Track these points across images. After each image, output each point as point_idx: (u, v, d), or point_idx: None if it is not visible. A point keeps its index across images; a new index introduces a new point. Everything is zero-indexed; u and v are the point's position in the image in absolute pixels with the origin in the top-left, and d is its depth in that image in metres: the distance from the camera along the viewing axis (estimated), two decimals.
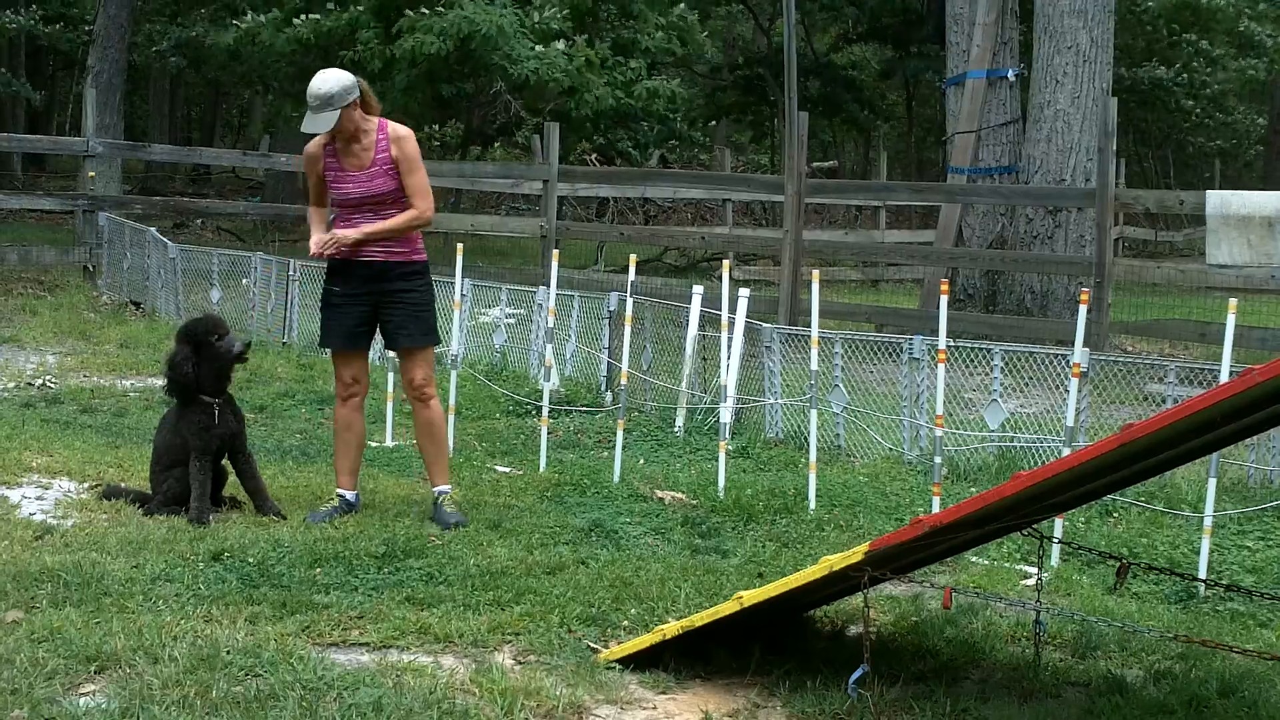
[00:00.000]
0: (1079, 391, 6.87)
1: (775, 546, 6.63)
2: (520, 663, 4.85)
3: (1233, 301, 6.50)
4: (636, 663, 4.83)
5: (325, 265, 6.95)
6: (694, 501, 7.41)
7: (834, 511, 7.23)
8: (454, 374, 8.88)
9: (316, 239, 6.82)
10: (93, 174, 16.63)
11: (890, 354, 9.21)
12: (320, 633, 5.00)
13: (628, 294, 8.57)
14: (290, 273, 12.98)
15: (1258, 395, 4.23)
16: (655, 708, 4.53)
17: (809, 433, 7.71)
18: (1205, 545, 6.26)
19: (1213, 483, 6.33)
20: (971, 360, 9.10)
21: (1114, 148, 12.78)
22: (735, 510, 7.19)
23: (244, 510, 6.84)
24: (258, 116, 32.77)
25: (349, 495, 6.85)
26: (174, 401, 6.90)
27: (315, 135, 6.77)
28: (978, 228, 16.20)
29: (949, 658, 5.10)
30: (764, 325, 9.74)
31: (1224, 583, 5.92)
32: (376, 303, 6.82)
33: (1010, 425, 8.48)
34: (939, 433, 7.06)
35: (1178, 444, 4.71)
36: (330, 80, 6.61)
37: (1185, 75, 31.22)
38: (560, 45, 20.49)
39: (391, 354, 8.16)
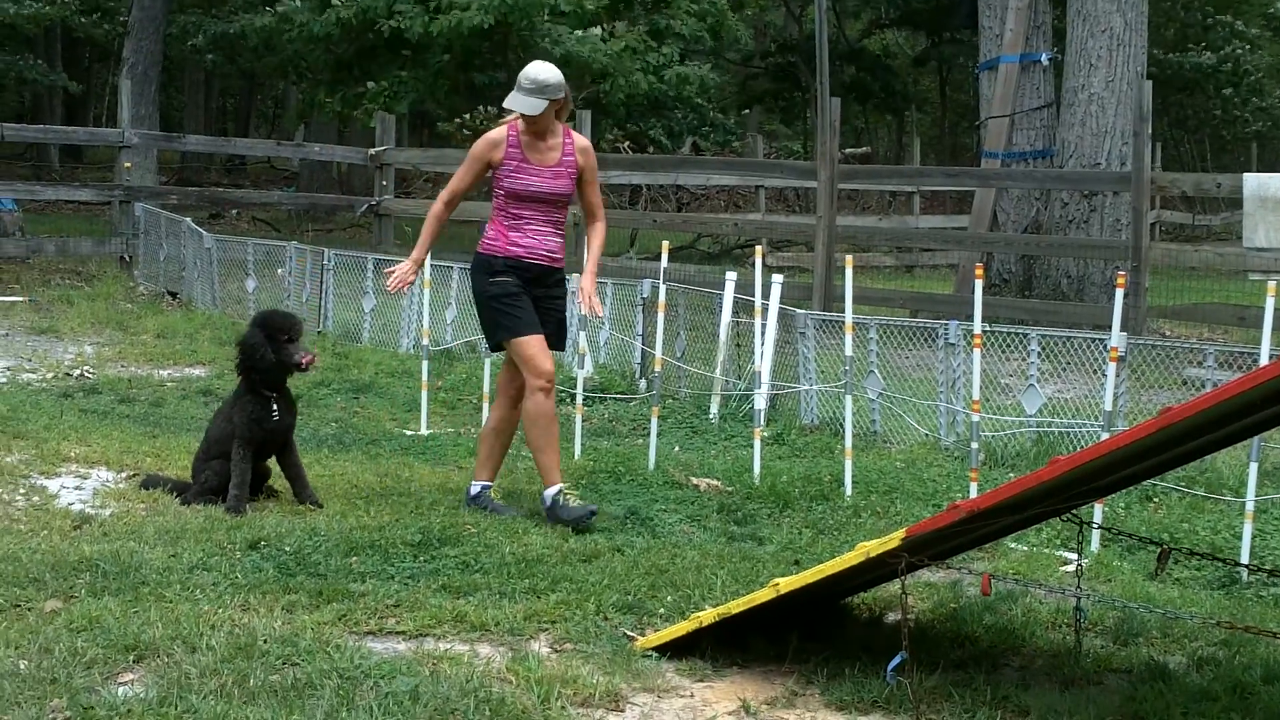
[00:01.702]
0: (1117, 376, 6.82)
1: (812, 533, 6.60)
2: (556, 651, 4.84)
3: (1271, 284, 6.43)
4: (673, 650, 4.81)
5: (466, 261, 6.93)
6: (729, 488, 7.39)
7: (870, 498, 7.20)
8: (487, 362, 8.87)
9: (404, 269, 6.86)
10: (128, 165, 16.71)
11: (925, 339, 9.16)
12: (357, 621, 5.00)
13: (661, 281, 8.55)
14: (325, 262, 13.01)
15: None
16: (692, 695, 4.52)
17: (844, 419, 7.67)
18: (1247, 530, 6.21)
19: (1254, 467, 6.27)
20: (1008, 345, 9.04)
21: (1149, 131, 12.67)
22: (771, 497, 7.16)
23: (281, 500, 6.85)
24: (292, 107, 32.83)
25: (556, 490, 6.66)
26: (232, 391, 6.99)
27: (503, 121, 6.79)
28: (1012, 212, 16.10)
29: (988, 644, 5.07)
30: (798, 311, 9.70)
31: (1267, 568, 5.86)
32: (534, 305, 6.77)
33: (1048, 410, 8.43)
34: (975, 418, 7.02)
35: (1217, 428, 4.66)
36: (549, 71, 6.66)
37: (1229, 64, 30.92)
38: (597, 31, 20.48)
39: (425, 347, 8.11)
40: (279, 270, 13.80)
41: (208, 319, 13.25)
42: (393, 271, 6.92)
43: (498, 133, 6.79)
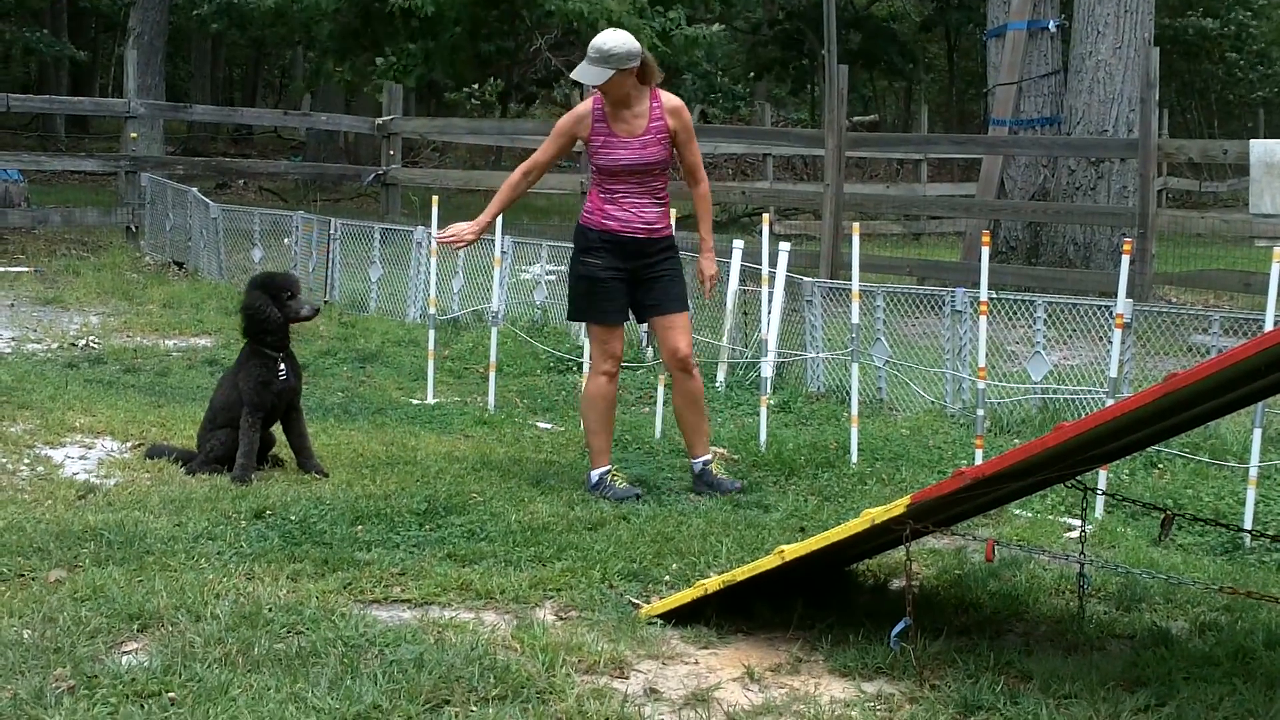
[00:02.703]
0: (1122, 343, 6.81)
1: (817, 500, 6.61)
2: (562, 618, 4.85)
3: (1277, 250, 6.40)
4: (678, 618, 4.82)
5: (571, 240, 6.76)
6: (735, 456, 7.39)
7: (876, 465, 7.20)
8: (494, 331, 8.88)
9: (463, 230, 6.78)
10: (135, 135, 16.70)
11: (932, 307, 9.15)
12: (362, 590, 5.01)
13: None
14: (331, 232, 13.00)
15: None
16: (697, 662, 4.53)
17: (850, 386, 7.67)
18: (1251, 496, 6.20)
19: (1258, 433, 6.26)
20: (1014, 312, 9.02)
21: (1156, 98, 12.63)
22: (777, 465, 7.17)
23: (287, 469, 6.87)
24: (299, 76, 32.77)
25: (604, 470, 6.67)
26: (233, 359, 7.04)
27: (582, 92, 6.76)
28: (1019, 180, 16.05)
29: (992, 611, 5.08)
30: (805, 279, 9.69)
31: (1270, 534, 5.86)
32: (636, 278, 6.64)
33: (1053, 377, 8.41)
34: (981, 385, 7.01)
35: (1222, 394, 4.65)
36: (616, 40, 6.44)
37: (1232, 27, 30.79)
38: None
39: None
40: (285, 240, 13.80)
41: (214, 289, 13.26)
42: (450, 234, 6.83)
43: (582, 106, 6.62)
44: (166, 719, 3.82)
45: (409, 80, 20.84)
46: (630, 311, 6.78)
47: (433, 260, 9.46)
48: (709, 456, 6.71)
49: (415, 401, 8.82)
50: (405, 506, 6.02)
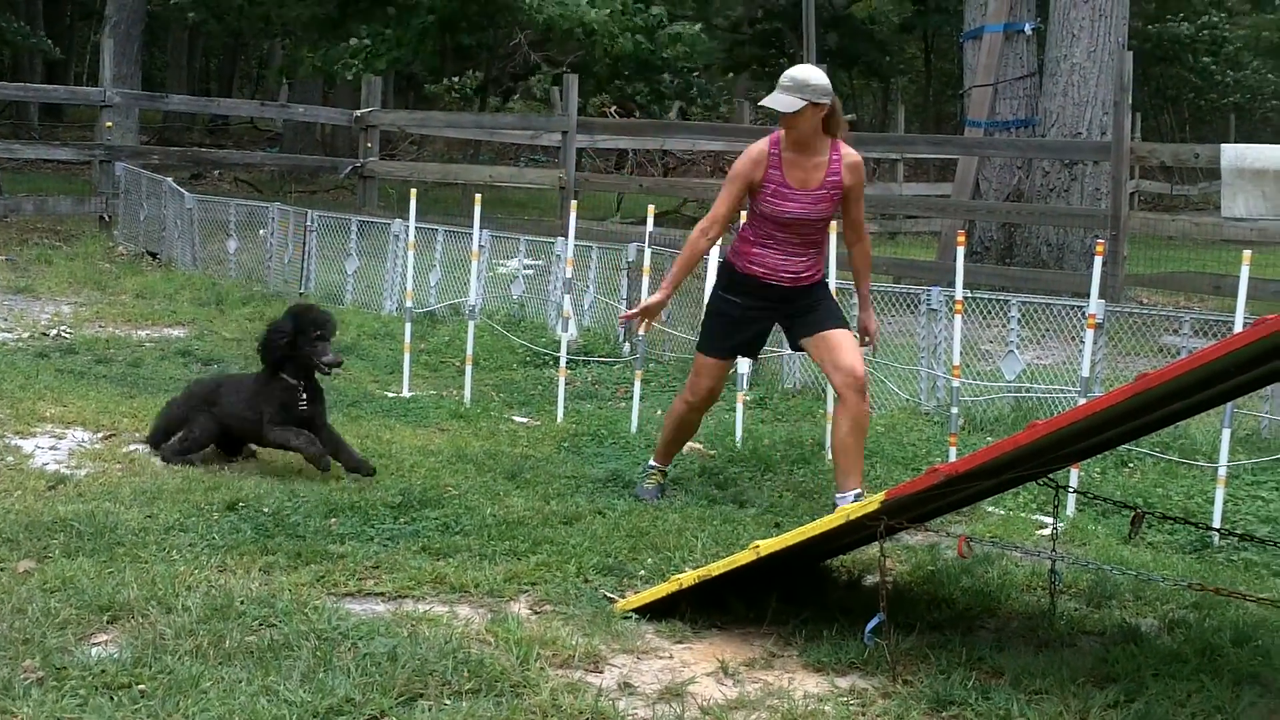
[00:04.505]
0: (1094, 342, 6.84)
1: (793, 496, 6.63)
2: (536, 612, 4.86)
3: (1247, 253, 6.47)
4: (653, 612, 4.83)
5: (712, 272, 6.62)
6: (712, 452, 7.40)
7: None
8: (471, 324, 8.87)
9: (649, 303, 6.42)
10: (110, 124, 16.61)
11: (907, 305, 9.17)
12: (335, 582, 5.00)
13: (646, 245, 8.55)
14: (308, 223, 12.97)
15: (1271, 345, 4.21)
16: (671, 657, 4.54)
17: (826, 383, 7.69)
18: (1220, 495, 6.25)
19: (1227, 433, 6.31)
20: (988, 312, 9.06)
21: (1129, 101, 12.72)
22: (753, 460, 7.18)
23: (260, 461, 6.85)
24: (277, 66, 32.65)
25: (656, 467, 6.65)
26: (255, 373, 6.87)
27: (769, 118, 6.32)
28: (994, 180, 16.10)
29: (965, 607, 5.10)
30: None
31: (1238, 532, 5.90)
32: (781, 315, 6.39)
33: (1027, 376, 8.46)
34: (956, 383, 7.04)
35: (1191, 394, 4.69)
36: (814, 73, 6.13)
37: (1206, 32, 30.97)
38: None
39: (399, 308, 8.08)
40: (261, 231, 13.75)
41: (188, 280, 13.20)
42: (637, 311, 6.49)
43: (759, 149, 6.19)
44: (136, 711, 3.80)
45: (380, 64, 20.77)
46: (773, 341, 6.68)
47: (410, 253, 9.44)
48: (861, 490, 6.13)
49: (391, 394, 8.81)
50: (380, 499, 6.02)
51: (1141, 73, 23.58)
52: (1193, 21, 31.33)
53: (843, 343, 6.23)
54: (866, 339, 6.48)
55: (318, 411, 6.68)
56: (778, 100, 6.05)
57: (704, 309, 6.62)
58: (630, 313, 6.62)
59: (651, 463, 6.68)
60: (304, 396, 6.61)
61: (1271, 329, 4.02)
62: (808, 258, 6.29)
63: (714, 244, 6.48)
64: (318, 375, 6.68)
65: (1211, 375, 4.45)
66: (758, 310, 6.34)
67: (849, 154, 6.26)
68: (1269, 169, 11.76)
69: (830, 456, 6.54)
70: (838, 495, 6.17)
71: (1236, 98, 34.50)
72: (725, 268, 6.43)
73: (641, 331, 6.76)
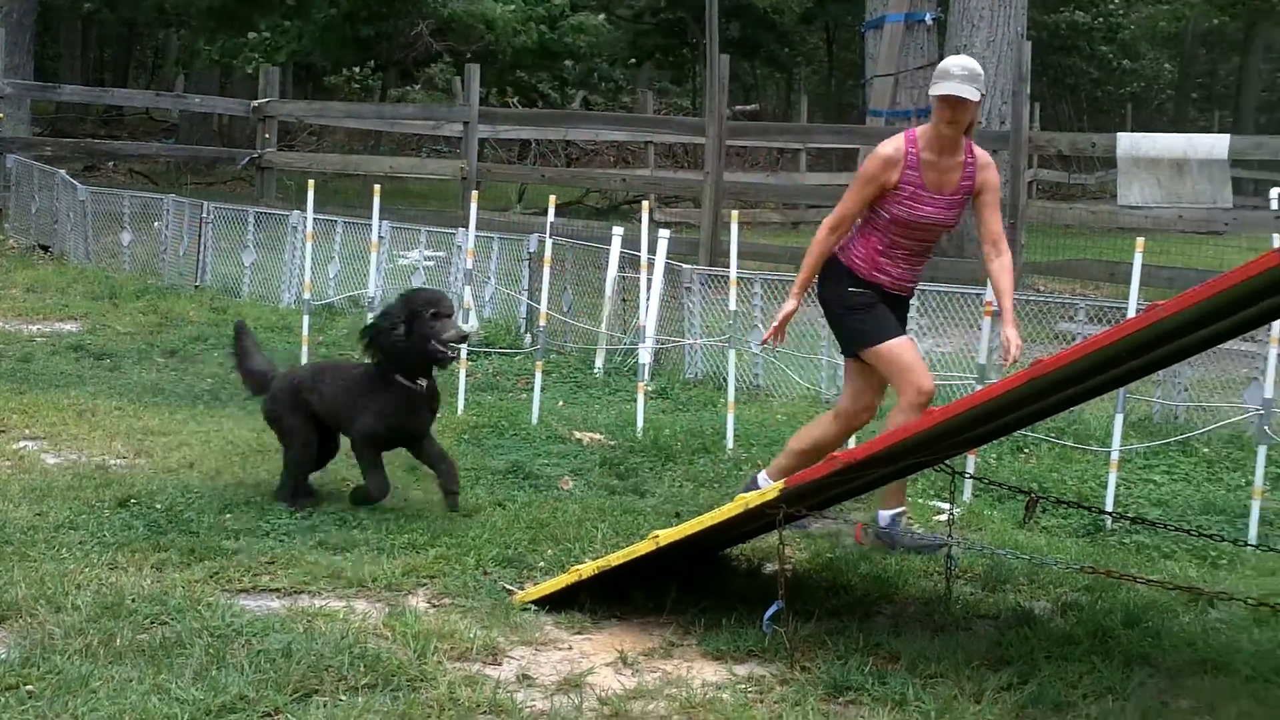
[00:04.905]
0: (991, 330, 6.92)
1: (693, 486, 6.64)
2: (435, 606, 4.82)
3: (1140, 240, 6.57)
4: (552, 604, 4.81)
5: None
6: (612, 442, 7.40)
7: (752, 450, 7.25)
8: (370, 317, 8.77)
9: (785, 310, 5.97)
10: (1, 115, 16.26)
11: (809, 294, 9.20)
12: (229, 579, 4.93)
13: (547, 235, 8.51)
14: (204, 215, 12.78)
15: (1161, 331, 4.28)
16: (570, 648, 4.52)
17: (728, 373, 7.71)
18: (1112, 479, 6.35)
19: (1119, 418, 6.41)
20: None
21: (1028, 91, 12.88)
22: (653, 450, 7.18)
23: (153, 458, 6.73)
24: (172, 56, 32.17)
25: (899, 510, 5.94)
26: (364, 368, 6.04)
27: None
28: None
29: (863, 593, 5.14)
30: (684, 266, 9.72)
31: (1130, 515, 5.99)
32: None
33: (927, 363, 8.52)
34: None
35: (1085, 379, 4.75)
36: (977, 63, 5.80)
37: (1102, 19, 31.48)
38: None
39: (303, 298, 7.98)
40: (156, 224, 13.53)
41: (80, 273, 12.96)
42: (776, 328, 6.06)
43: (894, 148, 5.74)
44: (24, 712, 3.73)
45: (280, 57, 20.54)
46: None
47: (308, 245, 9.33)
48: (904, 509, 5.89)
49: None
50: (275, 494, 5.94)
51: (1040, 62, 23.90)
52: (1089, 11, 31.81)
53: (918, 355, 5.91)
54: (1006, 357, 5.78)
55: (427, 420, 5.99)
56: (965, 90, 5.63)
57: (841, 317, 5.96)
58: (770, 331, 6.10)
59: (884, 512, 5.87)
60: (414, 403, 5.82)
61: (1162, 315, 4.08)
62: (922, 267, 5.98)
63: (839, 241, 5.90)
64: (435, 370, 5.92)
65: (1104, 361, 4.51)
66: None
67: (983, 155, 5.88)
68: (1163, 157, 11.97)
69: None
70: (882, 510, 5.84)
71: (1133, 87, 35.10)
72: (844, 273, 5.86)
73: (776, 345, 6.18)
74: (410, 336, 5.73)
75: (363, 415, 5.84)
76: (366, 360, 6.00)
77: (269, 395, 6.17)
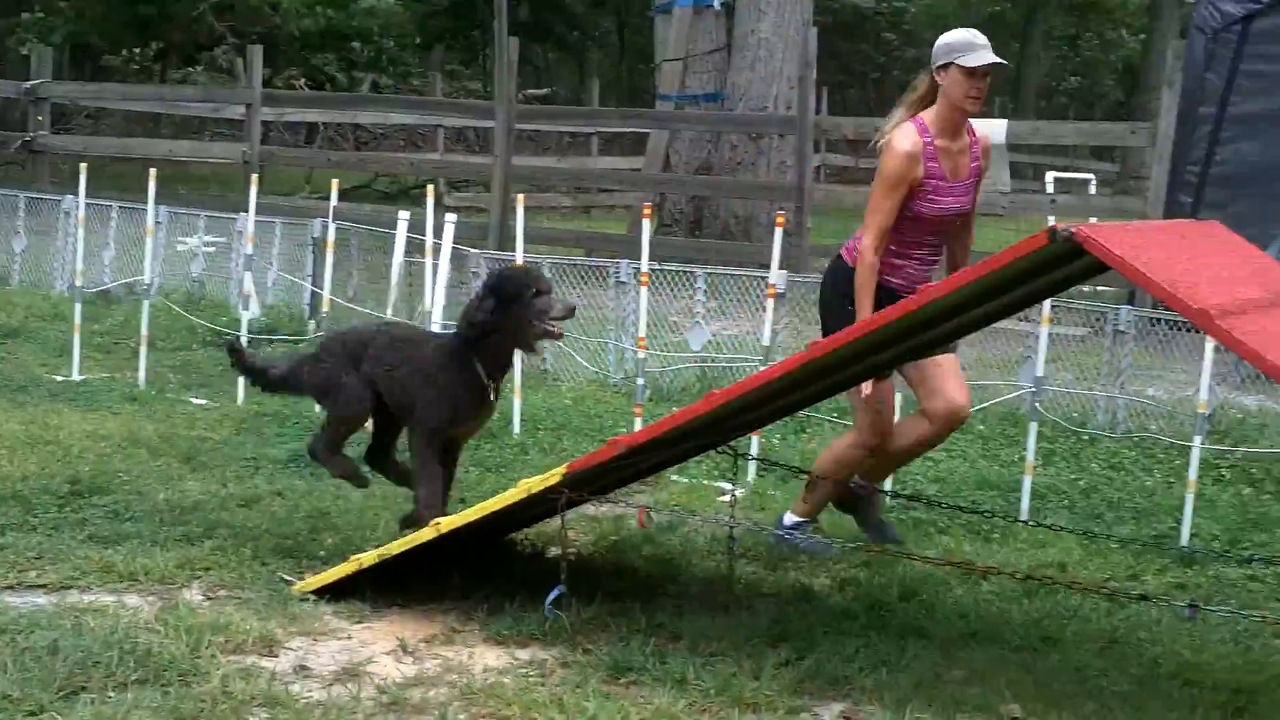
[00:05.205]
0: (775, 312, 7.02)
1: (479, 472, 6.60)
2: (210, 598, 4.71)
3: None
4: (332, 593, 4.74)
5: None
6: None
7: (539, 435, 7.24)
8: (147, 304, 8.52)
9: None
10: None
11: (598, 279, 9.25)
12: None
13: (330, 220, 8.38)
14: None
15: (934, 311, 4.39)
16: (350, 637, 4.46)
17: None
18: None
19: (899, 397, 6.54)
20: (677, 284, 9.20)
21: (814, 76, 13.10)
22: None
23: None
24: None
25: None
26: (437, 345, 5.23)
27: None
28: (685, 154, 16.37)
29: (647, 575, 5.17)
30: (471, 251, 9.64)
31: (906, 493, 6.14)
32: None
33: (712, 347, 8.63)
34: (642, 355, 7.13)
35: (861, 359, 4.85)
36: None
37: (886, 4, 32.27)
38: None
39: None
40: None
41: None
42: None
43: (912, 141, 5.26)
44: None
45: (54, 38, 19.83)
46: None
47: (80, 230, 9.01)
48: (869, 485, 5.71)
49: (60, 378, 8.39)
50: (44, 487, 5.75)
51: (828, 48, 24.35)
52: None
53: (951, 368, 5.46)
54: None
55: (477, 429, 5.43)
56: (991, 57, 5.27)
57: (843, 317, 5.36)
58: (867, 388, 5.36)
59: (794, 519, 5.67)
60: (490, 399, 5.15)
61: (934, 296, 4.18)
62: (937, 264, 5.53)
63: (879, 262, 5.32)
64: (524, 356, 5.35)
65: (880, 342, 4.61)
66: None
67: (982, 134, 5.53)
68: None
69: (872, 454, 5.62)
70: (863, 482, 5.66)
71: (917, 73, 36.03)
72: (850, 275, 5.40)
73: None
74: (509, 318, 4.96)
75: (435, 402, 5.04)
76: (441, 333, 5.21)
77: (315, 353, 5.38)
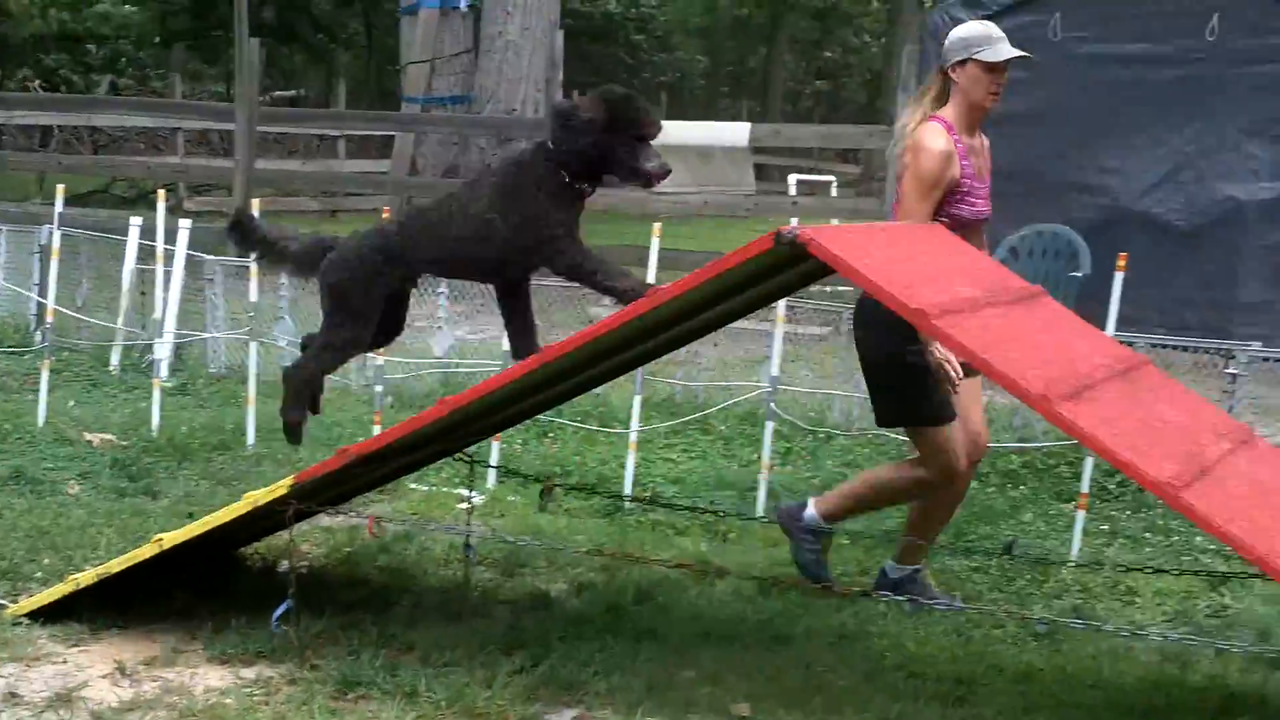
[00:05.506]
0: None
1: (211, 484, 6.41)
2: None
3: (656, 225, 6.80)
4: (48, 616, 4.54)
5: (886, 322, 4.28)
6: (125, 443, 7.04)
7: (274, 446, 7.04)
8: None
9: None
10: None
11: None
12: None
13: (55, 226, 8.05)
14: None
15: (667, 313, 4.41)
16: (65, 661, 4.27)
17: (249, 367, 7.48)
18: (631, 459, 6.52)
19: (638, 399, 6.60)
20: (421, 287, 9.06)
21: (561, 78, 13.13)
22: (169, 449, 6.90)
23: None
24: None
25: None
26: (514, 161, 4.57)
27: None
28: (431, 157, 16.28)
29: (381, 585, 5.08)
30: (207, 257, 9.36)
31: (643, 496, 6.17)
32: None
33: (457, 353, 8.55)
34: (379, 361, 7.02)
35: (597, 363, 4.85)
36: None
37: (635, 9, 32.64)
38: None
39: None
40: None
41: None
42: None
43: (944, 139, 4.87)
44: None
45: None
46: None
47: None
48: (921, 568, 5.20)
49: None
50: None
51: (577, 51, 24.49)
52: (622, 1, 32.93)
53: (977, 397, 5.10)
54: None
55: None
56: (1013, 50, 4.95)
57: (882, 375, 4.96)
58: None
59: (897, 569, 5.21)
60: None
61: (665, 297, 4.19)
62: None
63: None
64: None
65: (613, 345, 4.61)
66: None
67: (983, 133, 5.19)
68: (689, 145, 12.47)
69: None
70: (901, 564, 5.17)
71: (667, 77, 36.50)
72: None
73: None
74: (600, 150, 4.35)
75: (561, 238, 4.44)
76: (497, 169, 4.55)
77: (334, 260, 4.74)
